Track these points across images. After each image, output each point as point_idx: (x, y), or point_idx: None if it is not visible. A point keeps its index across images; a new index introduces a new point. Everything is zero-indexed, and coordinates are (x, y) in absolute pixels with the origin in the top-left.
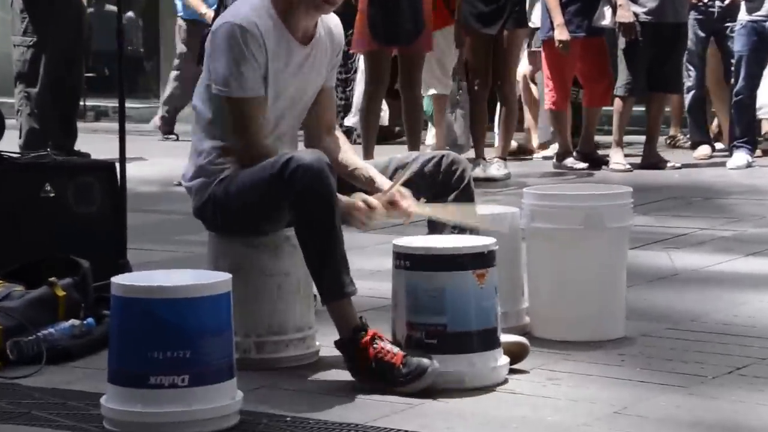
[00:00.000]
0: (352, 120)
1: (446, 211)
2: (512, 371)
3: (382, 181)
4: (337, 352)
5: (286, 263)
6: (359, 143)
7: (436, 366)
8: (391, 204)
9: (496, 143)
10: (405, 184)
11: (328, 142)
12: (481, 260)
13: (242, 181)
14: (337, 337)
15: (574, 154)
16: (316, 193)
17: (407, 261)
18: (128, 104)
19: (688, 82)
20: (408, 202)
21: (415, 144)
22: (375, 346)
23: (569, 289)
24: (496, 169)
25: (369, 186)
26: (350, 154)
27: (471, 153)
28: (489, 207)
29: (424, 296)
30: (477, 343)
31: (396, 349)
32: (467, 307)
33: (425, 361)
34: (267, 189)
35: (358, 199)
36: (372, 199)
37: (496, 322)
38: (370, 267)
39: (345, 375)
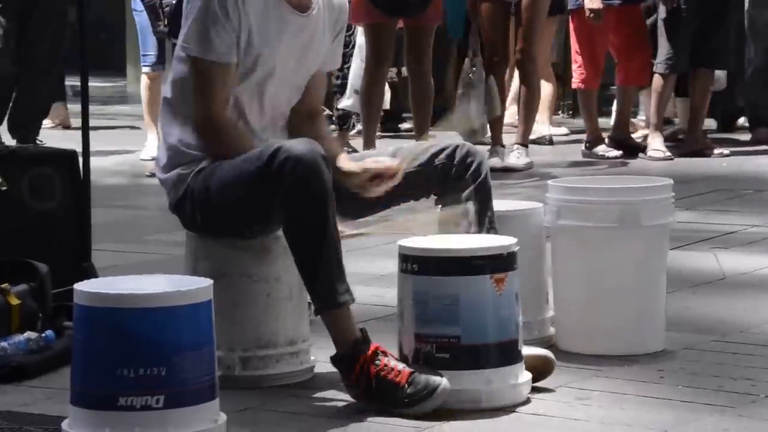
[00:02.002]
0: (346, 102)
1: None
2: (535, 389)
3: (349, 166)
4: (335, 369)
5: (275, 267)
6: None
7: (447, 385)
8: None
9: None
10: (411, 179)
11: (308, 130)
12: (500, 263)
13: (224, 175)
14: (333, 351)
15: (606, 140)
16: (308, 188)
17: (415, 264)
18: (93, 83)
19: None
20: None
21: (423, 130)
22: (377, 362)
23: (601, 295)
24: (516, 157)
25: (337, 175)
26: (329, 142)
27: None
28: (508, 202)
29: (434, 304)
30: (495, 358)
31: (401, 366)
32: (484, 317)
33: (435, 379)
34: (253, 184)
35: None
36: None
37: (516, 333)
38: (373, 271)
39: (343, 395)
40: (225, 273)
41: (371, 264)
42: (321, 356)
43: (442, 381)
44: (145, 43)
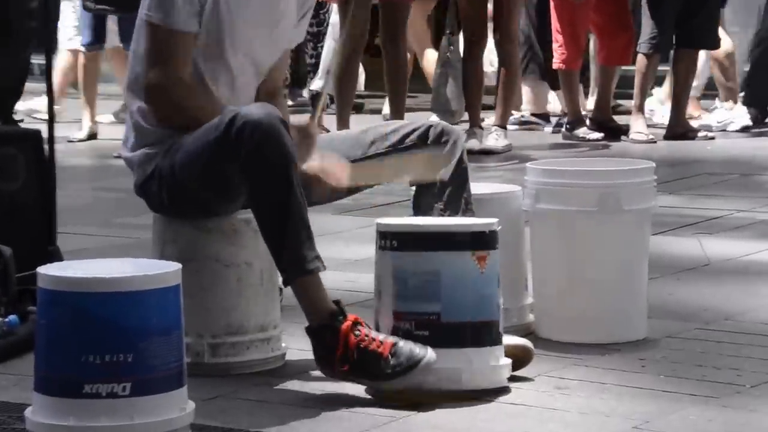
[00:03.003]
0: (318, 83)
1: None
2: (514, 378)
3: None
4: (307, 356)
5: (246, 251)
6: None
7: (433, 356)
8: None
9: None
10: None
11: None
12: (482, 241)
13: (185, 149)
14: (307, 337)
15: (588, 122)
16: (268, 152)
17: (394, 240)
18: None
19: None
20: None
21: (399, 111)
22: (357, 333)
23: (581, 281)
24: (494, 139)
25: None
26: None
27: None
28: (486, 185)
29: (414, 281)
30: (476, 337)
31: (383, 336)
32: (465, 295)
33: (419, 350)
34: (213, 155)
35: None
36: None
37: (498, 314)
38: (348, 255)
39: (316, 383)
40: (194, 257)
41: (345, 248)
42: (293, 343)
43: (427, 352)
44: (82, 20)
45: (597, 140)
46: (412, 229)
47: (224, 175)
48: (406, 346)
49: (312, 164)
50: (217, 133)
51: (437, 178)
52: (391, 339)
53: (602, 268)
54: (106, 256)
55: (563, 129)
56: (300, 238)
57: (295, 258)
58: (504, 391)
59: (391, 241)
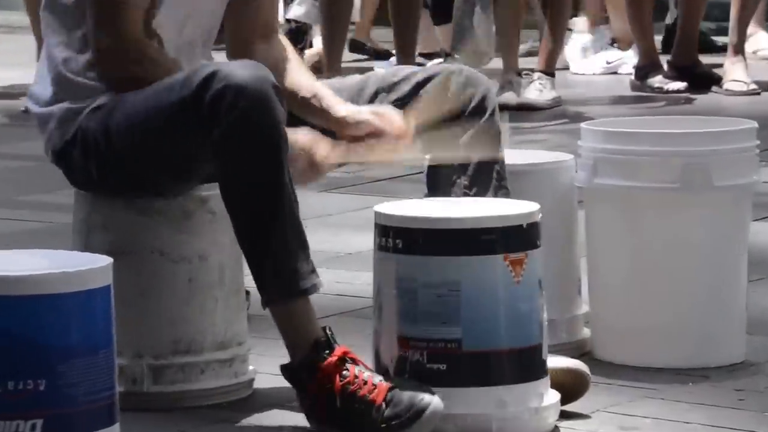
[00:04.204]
0: (297, 10)
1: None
2: (563, 415)
3: (347, 111)
4: (282, 382)
5: (201, 240)
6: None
7: (439, 405)
8: (357, 138)
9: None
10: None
11: (262, 54)
12: (518, 238)
13: (130, 110)
14: (285, 359)
15: (665, 66)
16: (254, 128)
17: (399, 239)
18: None
19: None
20: (392, 130)
21: (408, 53)
22: (345, 373)
23: (655, 284)
24: (537, 90)
25: (324, 120)
26: (298, 72)
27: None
28: (526, 153)
29: (426, 296)
30: (510, 371)
31: (377, 379)
32: (495, 314)
33: (422, 397)
34: (173, 122)
35: (299, 140)
36: (321, 143)
37: (540, 337)
38: (338, 247)
39: (294, 418)
40: (130, 249)
41: (334, 238)
42: (263, 366)
43: (433, 400)
44: None
45: (678, 91)
46: (423, 223)
47: (184, 149)
48: (405, 391)
49: (365, 115)
50: (183, 93)
51: (466, 157)
52: (387, 383)
53: (684, 266)
54: (10, 247)
55: (632, 77)
56: (291, 246)
57: (283, 274)
58: (553, 431)
59: (394, 239)
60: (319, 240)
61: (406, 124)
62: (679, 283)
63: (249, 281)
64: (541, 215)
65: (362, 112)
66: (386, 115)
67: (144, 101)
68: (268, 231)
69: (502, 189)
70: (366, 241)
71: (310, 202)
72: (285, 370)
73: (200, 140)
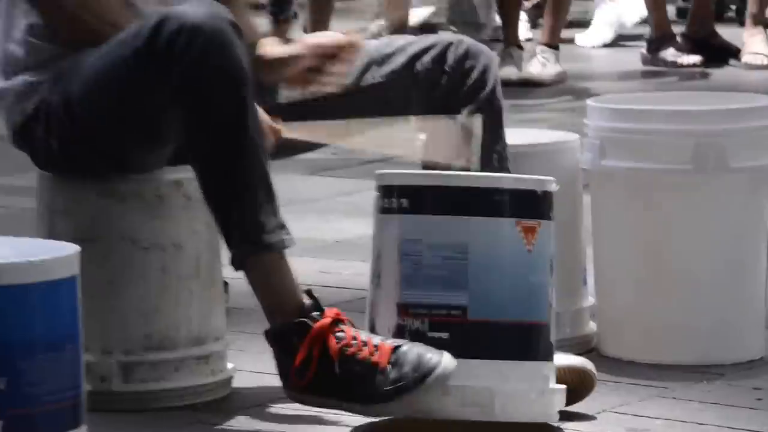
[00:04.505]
0: None
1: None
2: (567, 416)
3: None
4: (264, 381)
5: (176, 227)
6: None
7: (450, 364)
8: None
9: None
10: (377, 93)
11: None
12: (532, 205)
13: (88, 72)
14: (268, 355)
15: (679, 38)
16: (213, 67)
17: (403, 198)
18: None
19: None
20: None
21: (399, 21)
22: (340, 334)
23: (666, 274)
24: (540, 64)
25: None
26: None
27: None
28: (528, 132)
29: (431, 258)
30: (516, 345)
31: (378, 339)
32: (504, 282)
33: (430, 356)
34: (132, 77)
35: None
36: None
37: (548, 316)
38: (326, 235)
39: (276, 419)
40: (98, 236)
41: (322, 224)
42: (243, 363)
43: (443, 358)
44: None
45: (693, 65)
46: (431, 181)
47: (147, 108)
48: (412, 349)
49: (305, 43)
50: (137, 43)
51: (462, 162)
52: (391, 341)
53: (698, 255)
54: None
55: (643, 50)
56: (256, 198)
57: (249, 226)
58: (555, 431)
59: (399, 199)
60: (305, 227)
61: (354, 39)
62: (692, 272)
63: (228, 272)
64: (556, 186)
65: (300, 43)
66: (326, 37)
67: (100, 61)
68: (231, 183)
69: (503, 171)
70: (356, 228)
71: (295, 185)
72: (268, 334)
73: (162, 92)
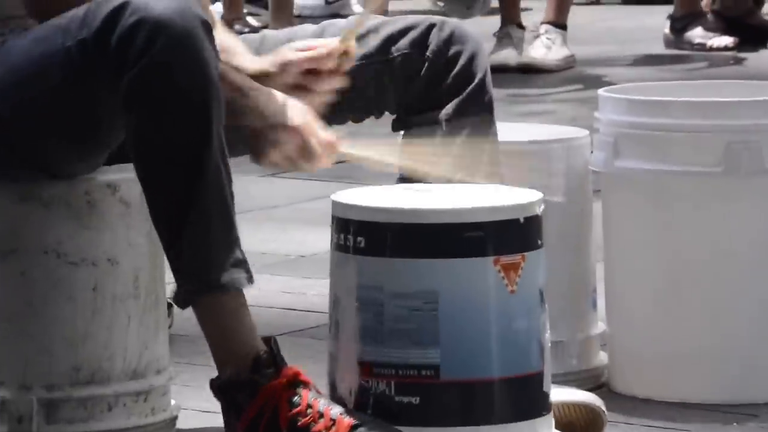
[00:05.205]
0: None
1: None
2: None
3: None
4: (213, 421)
5: (109, 238)
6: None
7: None
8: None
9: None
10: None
11: None
12: (512, 236)
13: (16, 60)
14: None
15: (709, 16)
16: (176, 75)
17: (362, 237)
18: None
19: None
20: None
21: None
22: (295, 399)
23: (690, 296)
24: (544, 47)
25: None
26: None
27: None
28: (528, 128)
29: (396, 309)
30: (501, 406)
31: (337, 411)
32: (483, 332)
33: None
34: (67, 70)
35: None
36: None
37: (540, 362)
38: (287, 248)
39: None
40: (16, 247)
41: (281, 235)
42: (188, 399)
43: None
44: None
45: (725, 48)
46: (392, 216)
47: (85, 111)
48: (373, 428)
49: (284, 55)
50: (83, 34)
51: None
52: (350, 419)
53: (728, 274)
54: None
55: (666, 30)
56: (211, 229)
57: (200, 261)
58: None
59: (355, 237)
60: (263, 238)
61: (340, 43)
62: (721, 295)
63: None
64: (543, 207)
65: (278, 54)
66: (307, 45)
67: (31, 48)
68: (185, 204)
69: (494, 176)
70: (323, 239)
71: (250, 189)
72: (215, 386)
73: (107, 96)
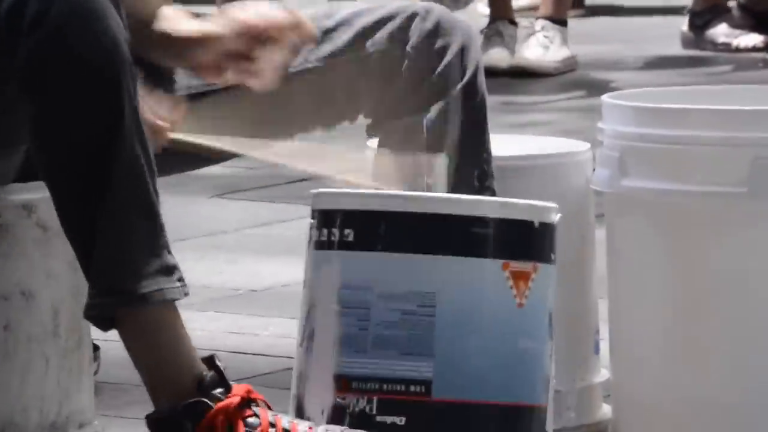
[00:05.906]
0: None
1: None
2: None
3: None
4: None
5: (25, 268)
6: None
7: None
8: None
9: None
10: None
11: None
12: (525, 241)
13: None
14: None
15: (735, 11)
16: (74, 50)
17: (349, 228)
18: None
19: None
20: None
21: None
22: (252, 420)
23: (708, 339)
24: (541, 46)
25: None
26: None
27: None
28: (523, 140)
29: (385, 312)
30: None
31: (304, 427)
32: (484, 347)
33: None
34: None
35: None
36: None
37: (545, 397)
38: (237, 282)
39: None
40: None
41: (228, 267)
42: None
43: None
44: None
45: (753, 49)
46: (387, 205)
47: None
48: None
49: (229, 17)
50: None
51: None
52: (309, 426)
53: (750, 312)
54: None
55: (684, 27)
56: (131, 230)
57: (117, 268)
58: None
59: (341, 229)
60: (208, 269)
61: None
62: (745, 338)
63: (99, 332)
64: (559, 216)
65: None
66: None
67: None
68: (95, 203)
69: (485, 192)
70: (278, 270)
71: (192, 212)
72: (151, 420)
73: (3, 78)
